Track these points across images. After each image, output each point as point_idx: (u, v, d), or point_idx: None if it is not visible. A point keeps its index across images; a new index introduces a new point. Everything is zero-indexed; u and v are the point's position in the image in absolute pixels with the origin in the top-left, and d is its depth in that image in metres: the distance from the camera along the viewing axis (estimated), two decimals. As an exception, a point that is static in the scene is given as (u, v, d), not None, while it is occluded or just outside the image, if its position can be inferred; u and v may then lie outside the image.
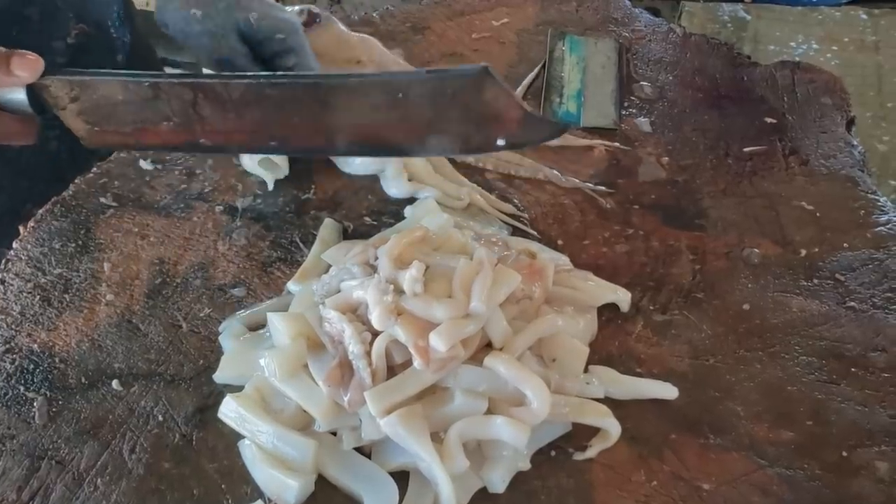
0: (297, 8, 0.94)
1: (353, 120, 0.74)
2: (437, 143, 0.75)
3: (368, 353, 0.67)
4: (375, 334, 0.68)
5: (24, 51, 0.70)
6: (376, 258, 0.75)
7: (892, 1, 2.09)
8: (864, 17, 2.26)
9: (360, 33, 0.97)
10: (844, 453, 0.69)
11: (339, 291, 0.73)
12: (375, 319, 0.67)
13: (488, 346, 0.70)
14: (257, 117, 0.75)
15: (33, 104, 0.72)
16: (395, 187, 0.89)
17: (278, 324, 0.71)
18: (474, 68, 0.71)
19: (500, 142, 0.72)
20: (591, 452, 0.69)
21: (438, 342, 0.65)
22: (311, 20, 0.93)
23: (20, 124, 0.73)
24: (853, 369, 0.75)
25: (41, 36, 0.93)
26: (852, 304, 0.80)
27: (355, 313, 0.70)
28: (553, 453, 0.69)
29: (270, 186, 0.89)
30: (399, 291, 0.69)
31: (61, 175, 0.91)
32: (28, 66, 0.70)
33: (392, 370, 0.68)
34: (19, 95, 0.71)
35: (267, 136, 0.76)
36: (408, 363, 0.67)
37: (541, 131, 0.73)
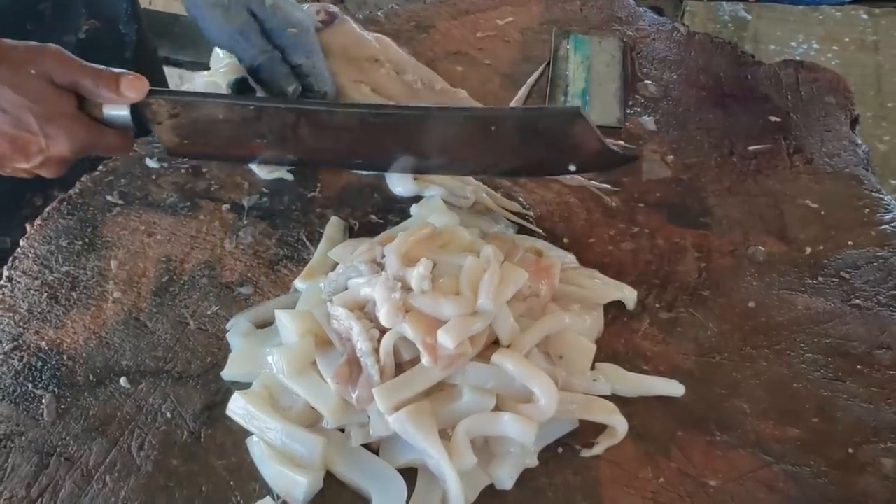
0: (314, 6, 0.94)
1: (444, 145, 0.80)
2: (513, 169, 0.83)
3: (377, 351, 0.68)
4: (383, 331, 0.68)
5: (130, 72, 0.75)
6: (383, 256, 0.75)
7: (893, 0, 2.09)
8: (865, 16, 2.26)
9: (380, 35, 0.97)
10: (850, 450, 0.70)
11: (346, 289, 0.73)
12: (384, 317, 0.67)
13: (495, 344, 0.70)
14: (353, 140, 0.80)
15: (134, 120, 0.76)
16: (400, 186, 0.89)
17: (286, 321, 0.71)
18: (570, 110, 0.81)
19: (572, 167, 0.80)
20: (598, 449, 0.69)
21: (447, 339, 0.65)
22: (329, 19, 0.93)
23: (120, 138, 0.78)
24: (858, 367, 0.75)
25: (53, 30, 0.93)
26: (857, 301, 0.80)
27: (363, 311, 0.71)
28: (560, 450, 0.69)
29: (290, 177, 0.91)
30: (407, 289, 0.69)
31: None
32: (135, 86, 0.74)
33: (400, 367, 0.68)
34: (123, 112, 0.76)
35: (356, 155, 0.83)
36: (416, 360, 0.68)
37: (613, 160, 0.81)
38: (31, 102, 0.71)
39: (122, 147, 0.79)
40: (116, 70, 0.75)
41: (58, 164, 0.76)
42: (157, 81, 1.25)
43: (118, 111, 0.75)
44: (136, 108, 0.76)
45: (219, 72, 0.89)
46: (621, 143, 0.93)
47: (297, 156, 0.83)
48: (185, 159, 0.91)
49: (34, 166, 0.75)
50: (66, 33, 0.95)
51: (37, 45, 0.74)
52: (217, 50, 0.90)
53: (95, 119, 0.75)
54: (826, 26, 2.20)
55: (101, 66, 0.75)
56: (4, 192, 0.97)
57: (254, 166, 0.90)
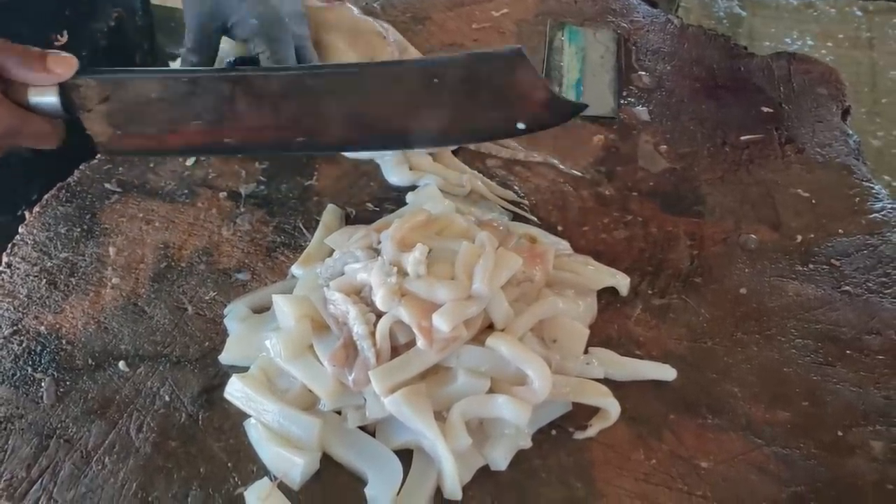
0: None
1: (388, 108, 0.76)
2: (465, 130, 0.78)
3: (373, 334, 0.68)
4: (379, 315, 0.69)
5: (58, 50, 0.72)
6: (379, 242, 0.76)
7: (889, -3, 2.10)
8: (860, 13, 2.28)
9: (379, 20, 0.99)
10: (839, 433, 0.71)
11: (342, 274, 0.74)
12: (379, 300, 0.68)
13: (490, 328, 0.71)
14: (292, 110, 0.76)
15: (64, 106, 0.73)
16: (395, 175, 0.90)
17: (283, 306, 0.72)
18: (509, 49, 0.74)
19: (521, 125, 0.75)
20: (591, 432, 0.70)
21: (442, 322, 0.66)
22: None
23: (49, 126, 0.74)
24: (848, 352, 0.76)
25: (88, 17, 0.96)
26: (847, 288, 0.81)
27: (359, 295, 0.71)
28: (553, 433, 0.70)
29: None
30: (402, 273, 0.70)
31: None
32: (64, 63, 0.71)
33: (396, 350, 0.69)
34: (51, 98, 0.72)
35: (296, 131, 0.77)
36: (411, 343, 0.68)
37: (562, 113, 0.76)
38: None
39: (52, 136, 0.75)
40: (40, 49, 0.72)
41: None
42: None
43: (45, 97, 0.72)
44: (64, 94, 0.72)
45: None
46: None
47: (234, 138, 0.78)
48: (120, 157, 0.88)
49: None
50: (98, 21, 0.97)
51: None
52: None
53: (21, 105, 0.72)
54: (820, 23, 2.21)
55: (25, 45, 0.72)
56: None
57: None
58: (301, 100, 0.76)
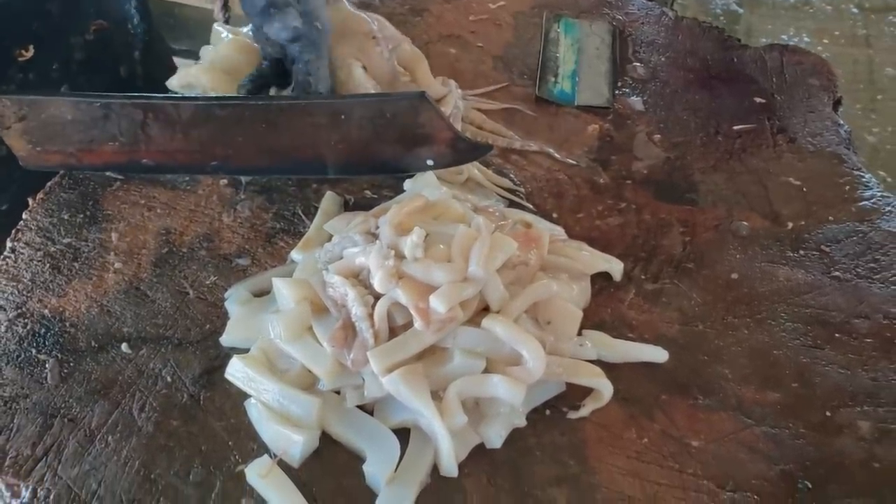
0: None
1: (296, 140, 0.78)
2: (374, 164, 0.81)
3: (371, 316, 0.70)
4: (377, 297, 0.71)
5: None
6: (377, 227, 0.77)
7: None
8: (856, 10, 2.29)
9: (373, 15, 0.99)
10: (828, 413, 0.72)
11: (341, 258, 0.75)
12: (378, 283, 0.70)
13: (485, 310, 0.73)
14: (203, 137, 0.78)
15: None
16: None
17: (284, 289, 0.73)
18: (413, 93, 0.78)
19: (430, 162, 0.79)
20: (584, 411, 0.71)
21: (438, 304, 0.67)
22: None
23: None
24: (837, 335, 0.78)
25: (60, 30, 0.94)
26: (837, 273, 0.83)
27: (357, 278, 0.73)
28: (548, 412, 0.72)
29: None
30: (400, 257, 0.71)
31: None
32: None
33: (393, 331, 0.70)
34: None
35: (210, 156, 0.80)
36: (409, 324, 0.70)
37: (468, 153, 0.81)
38: None
39: None
40: None
41: None
42: (165, 78, 1.26)
43: None
44: None
45: (200, 65, 0.91)
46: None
47: (150, 159, 0.81)
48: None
49: None
50: (73, 34, 0.95)
51: None
52: (216, 27, 0.92)
53: None
54: (817, 20, 2.23)
55: None
56: (10, 200, 0.98)
57: None
58: (211, 128, 0.78)
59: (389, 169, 0.84)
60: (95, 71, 0.81)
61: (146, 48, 1.13)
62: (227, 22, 1.04)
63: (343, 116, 0.77)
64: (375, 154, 0.80)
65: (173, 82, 0.93)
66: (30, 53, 0.94)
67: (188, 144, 0.78)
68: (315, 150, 0.80)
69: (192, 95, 0.84)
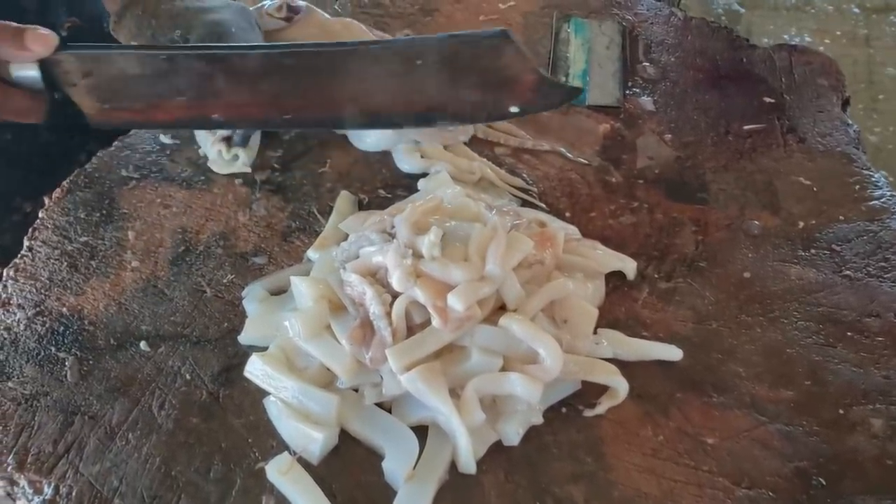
0: (274, 3, 0.95)
1: (370, 87, 0.76)
2: (453, 111, 0.78)
3: (389, 314, 0.70)
4: (395, 296, 0.71)
5: (37, 26, 0.72)
6: (393, 226, 0.78)
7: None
8: (857, 10, 2.30)
9: (346, 18, 1.00)
10: (841, 411, 0.73)
11: (358, 257, 0.76)
12: (396, 281, 0.70)
13: (502, 309, 0.73)
14: (272, 89, 0.76)
15: (46, 80, 0.73)
16: (407, 163, 0.92)
17: (302, 287, 0.74)
18: (494, 32, 0.74)
19: (514, 108, 0.75)
20: (600, 409, 0.72)
21: (456, 302, 0.68)
22: (291, 14, 0.95)
23: (30, 101, 0.74)
24: (849, 333, 0.78)
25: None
26: (848, 272, 0.83)
27: (375, 277, 0.73)
28: (564, 410, 0.72)
29: (223, 171, 0.91)
30: (417, 256, 0.72)
31: (53, 168, 0.93)
32: (42, 40, 0.72)
33: (411, 330, 0.71)
34: (32, 72, 0.73)
35: (281, 109, 0.78)
36: (426, 323, 0.70)
37: (554, 96, 0.77)
38: None
39: (33, 111, 0.75)
40: (18, 25, 0.72)
41: None
42: None
43: (27, 71, 0.73)
44: (47, 69, 0.73)
45: None
46: None
47: (219, 114, 0.78)
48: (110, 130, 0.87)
49: None
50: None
51: None
52: None
53: (2, 80, 0.72)
54: (818, 19, 2.24)
55: (4, 21, 0.72)
56: None
57: (212, 156, 0.90)
58: (280, 78, 0.76)
59: (467, 118, 0.82)
60: None
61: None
62: None
63: (418, 62, 0.74)
64: (453, 102, 0.77)
65: None
66: None
67: (257, 97, 0.76)
68: (390, 98, 0.77)
69: (259, 45, 0.82)
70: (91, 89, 0.76)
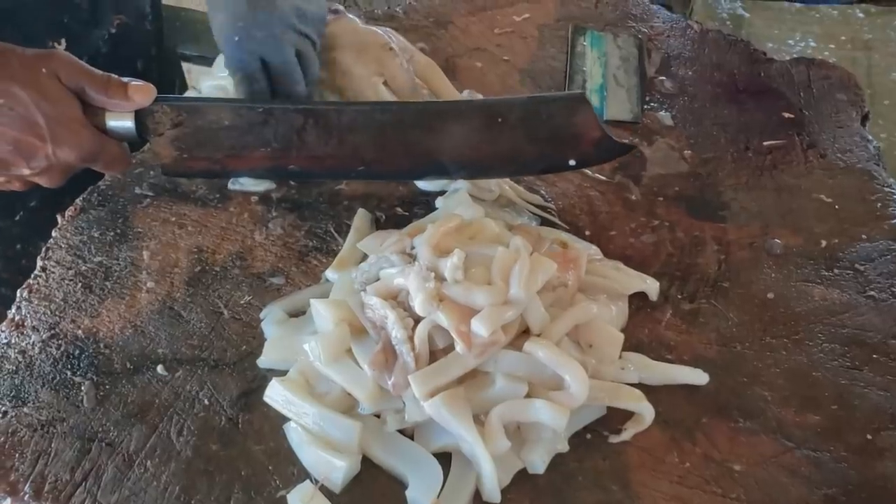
0: None
1: (447, 143, 0.80)
2: (515, 166, 0.83)
3: (411, 339, 0.69)
4: (417, 320, 0.70)
5: (137, 80, 0.76)
6: (412, 247, 0.77)
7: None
8: (861, 15, 2.29)
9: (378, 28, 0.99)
10: (869, 436, 0.72)
11: (378, 279, 0.75)
12: (418, 305, 0.69)
13: (526, 333, 0.72)
14: (358, 141, 0.81)
15: (137, 130, 0.77)
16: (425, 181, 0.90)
17: (322, 310, 0.73)
18: (574, 95, 0.81)
19: (572, 162, 0.81)
20: (626, 435, 0.71)
21: (480, 327, 0.67)
22: (334, 11, 0.95)
23: (121, 150, 0.78)
24: (875, 356, 0.77)
25: (88, 24, 0.95)
26: (872, 293, 0.82)
27: (396, 300, 0.72)
28: (589, 436, 0.71)
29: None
30: (439, 279, 0.71)
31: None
32: (143, 91, 0.76)
33: (434, 355, 0.70)
34: (126, 122, 0.76)
35: (358, 160, 0.82)
36: (450, 348, 0.69)
37: (611, 152, 0.83)
38: (42, 100, 0.71)
39: (122, 161, 0.79)
40: (120, 78, 0.76)
41: (60, 171, 0.75)
42: (177, 79, 1.26)
43: (121, 122, 0.76)
44: (139, 119, 0.76)
45: (226, 76, 0.90)
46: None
47: (298, 164, 0.82)
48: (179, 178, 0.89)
49: (34, 173, 0.75)
50: (99, 27, 0.96)
51: (46, 50, 0.74)
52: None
53: (98, 129, 0.76)
54: (823, 24, 2.23)
55: (107, 73, 0.75)
56: (42, 198, 0.98)
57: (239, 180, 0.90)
58: (367, 133, 0.80)
59: (528, 170, 0.87)
60: (117, 66, 0.82)
61: (160, 48, 1.13)
62: None
63: (500, 119, 0.79)
64: (519, 155, 0.82)
65: (204, 86, 0.92)
66: (62, 46, 0.94)
67: (341, 150, 0.80)
68: (462, 153, 0.82)
69: (353, 102, 0.86)
70: (175, 139, 0.79)
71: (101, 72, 0.75)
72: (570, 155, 0.81)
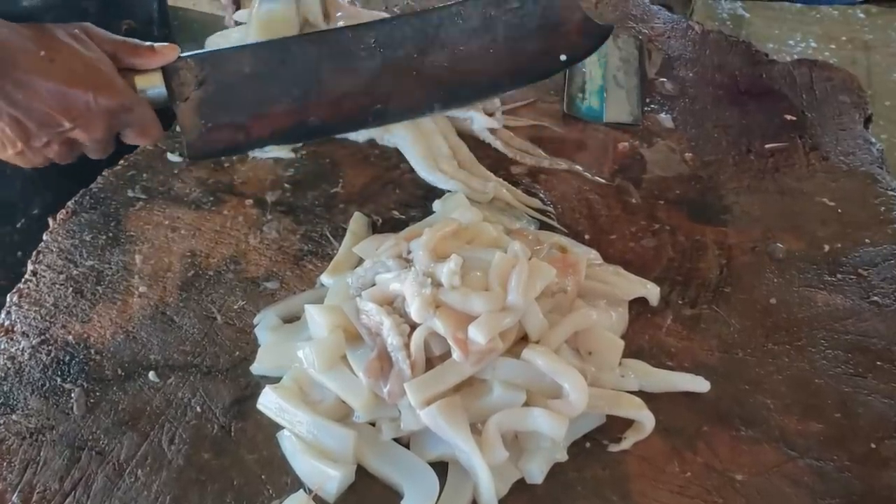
0: None
1: (452, 57, 0.83)
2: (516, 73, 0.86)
3: (407, 345, 0.68)
4: (413, 326, 0.69)
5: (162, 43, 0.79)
6: (409, 251, 0.75)
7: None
8: (862, 15, 2.28)
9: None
10: (873, 445, 0.70)
11: (373, 284, 0.73)
12: (415, 312, 0.68)
13: (524, 339, 0.71)
14: (372, 71, 0.82)
15: (167, 93, 0.79)
16: (425, 170, 0.90)
17: (316, 316, 0.72)
18: None
19: (563, 56, 0.84)
20: (625, 444, 0.70)
21: (478, 334, 0.66)
22: None
23: (153, 113, 0.80)
24: (878, 362, 0.76)
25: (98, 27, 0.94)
26: (875, 298, 0.81)
27: (392, 306, 0.71)
28: (588, 445, 0.70)
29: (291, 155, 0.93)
30: (436, 284, 0.70)
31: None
32: (169, 48, 0.79)
33: (430, 362, 0.69)
34: (156, 84, 0.78)
35: (374, 98, 0.84)
36: (446, 355, 0.68)
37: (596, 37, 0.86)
38: (83, 48, 0.75)
39: (155, 126, 0.80)
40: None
41: (102, 123, 0.76)
42: None
43: (152, 84, 0.78)
44: (167, 80, 0.78)
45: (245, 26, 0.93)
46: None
47: (318, 116, 0.83)
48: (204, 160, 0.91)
49: (74, 128, 0.75)
50: (109, 31, 0.96)
51: (76, 22, 0.78)
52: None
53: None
54: (823, 25, 2.22)
55: (135, 39, 0.79)
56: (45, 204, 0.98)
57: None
58: (378, 60, 0.83)
59: (527, 75, 0.89)
60: None
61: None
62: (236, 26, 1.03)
63: (493, 12, 0.83)
64: (516, 58, 0.85)
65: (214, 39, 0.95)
66: None
67: (356, 84, 0.82)
68: (468, 66, 0.84)
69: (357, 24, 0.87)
70: (200, 104, 0.80)
71: (130, 39, 0.79)
72: (560, 48, 0.85)
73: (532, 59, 0.85)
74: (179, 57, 0.78)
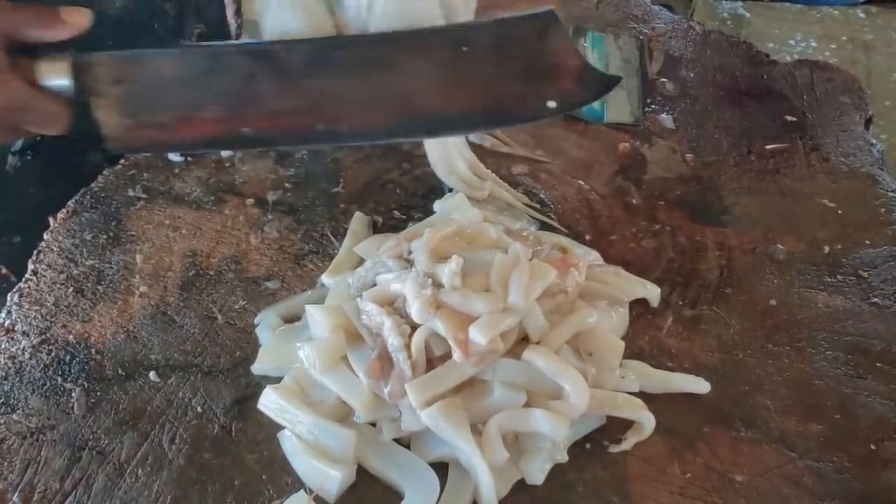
0: None
1: (413, 85, 0.72)
2: (493, 113, 0.74)
3: (408, 346, 0.68)
4: (414, 327, 0.69)
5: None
6: (410, 252, 0.75)
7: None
8: (862, 15, 2.28)
9: None
10: (872, 446, 0.71)
11: (374, 285, 0.73)
12: (415, 313, 0.68)
13: (524, 340, 0.71)
14: (313, 90, 0.72)
15: (76, 89, 0.69)
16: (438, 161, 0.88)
17: (317, 316, 0.72)
18: (541, 11, 0.73)
19: (551, 104, 0.72)
20: (626, 445, 0.70)
21: (478, 335, 0.66)
22: None
23: (56, 105, 0.69)
24: (878, 364, 0.76)
25: (174, 30, 0.95)
26: (876, 300, 0.81)
27: (392, 306, 0.71)
28: (588, 446, 0.70)
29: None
30: (437, 285, 0.70)
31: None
32: (77, 12, 0.68)
33: (431, 363, 0.69)
34: (62, 80, 0.68)
35: (317, 116, 0.73)
36: (446, 356, 0.68)
37: (595, 88, 0.74)
38: None
39: (59, 117, 0.69)
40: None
41: None
42: None
43: (57, 78, 0.68)
44: (79, 74, 0.69)
45: None
46: None
47: (253, 127, 0.72)
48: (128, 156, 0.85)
49: None
50: (183, 35, 0.96)
51: None
52: None
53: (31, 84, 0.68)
54: (824, 25, 2.21)
55: (37, 3, 0.68)
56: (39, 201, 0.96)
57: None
58: (321, 79, 0.72)
59: (507, 118, 0.77)
60: None
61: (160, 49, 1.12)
62: (239, 28, 1.02)
63: (465, 48, 0.72)
64: (495, 98, 0.73)
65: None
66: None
67: (295, 102, 0.72)
68: (432, 98, 0.73)
69: (304, 39, 0.76)
70: (118, 101, 0.71)
71: (30, 4, 0.67)
72: (550, 93, 0.72)
73: (512, 103, 0.74)
74: (93, 54, 0.70)
